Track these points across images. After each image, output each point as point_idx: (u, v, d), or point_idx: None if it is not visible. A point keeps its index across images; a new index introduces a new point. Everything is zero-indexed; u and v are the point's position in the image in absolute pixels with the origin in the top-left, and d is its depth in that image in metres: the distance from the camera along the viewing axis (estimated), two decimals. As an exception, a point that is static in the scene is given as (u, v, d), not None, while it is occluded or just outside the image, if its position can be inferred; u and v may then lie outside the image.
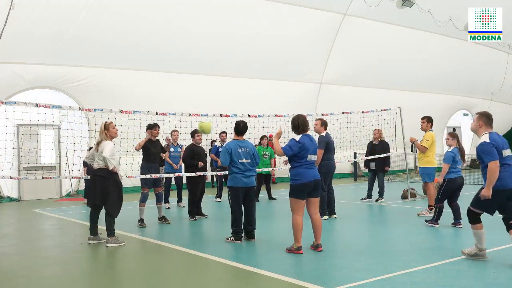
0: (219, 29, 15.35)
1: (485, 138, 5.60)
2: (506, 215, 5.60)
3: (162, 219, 9.08)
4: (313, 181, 6.27)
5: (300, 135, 6.38)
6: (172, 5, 14.37)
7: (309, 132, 6.51)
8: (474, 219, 5.70)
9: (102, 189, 7.09)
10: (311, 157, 6.30)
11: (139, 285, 5.22)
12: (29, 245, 7.56)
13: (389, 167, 12.09)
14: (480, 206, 5.66)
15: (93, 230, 7.37)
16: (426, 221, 7.94)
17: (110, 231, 7.11)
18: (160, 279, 5.39)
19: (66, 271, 5.86)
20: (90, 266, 6.19)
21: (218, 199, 12.66)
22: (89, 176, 12.12)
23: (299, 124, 6.41)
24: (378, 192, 11.75)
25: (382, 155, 11.73)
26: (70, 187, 15.18)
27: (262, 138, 12.82)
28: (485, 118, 5.79)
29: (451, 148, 7.99)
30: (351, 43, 17.89)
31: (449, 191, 7.82)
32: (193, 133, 9.80)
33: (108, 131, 7.25)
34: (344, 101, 18.16)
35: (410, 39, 18.97)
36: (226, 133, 12.59)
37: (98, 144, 7.24)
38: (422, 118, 9.65)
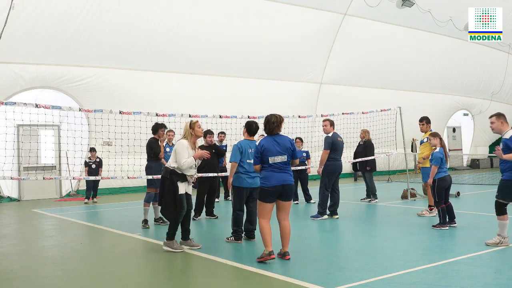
0: (219, 29, 15.36)
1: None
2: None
3: (160, 220, 9.02)
4: (281, 186, 5.88)
5: (264, 137, 6.14)
6: (172, 6, 14.38)
7: (279, 132, 6.12)
8: (501, 210, 6.35)
9: (161, 189, 6.76)
10: (276, 159, 5.90)
11: (139, 285, 5.22)
12: (29, 245, 7.56)
13: (372, 167, 11.91)
14: (507, 196, 6.35)
15: (182, 234, 6.85)
16: (433, 226, 7.82)
17: (168, 235, 6.67)
18: (160, 279, 5.39)
19: (66, 271, 5.86)
20: (90, 266, 6.19)
21: (216, 200, 12.64)
22: (90, 177, 12.22)
23: (264, 125, 6.11)
24: (371, 193, 11.78)
25: (360, 159, 11.88)
26: (70, 187, 15.20)
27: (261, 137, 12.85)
28: (504, 117, 6.50)
29: (437, 148, 7.94)
30: (351, 43, 17.90)
31: (442, 190, 7.80)
32: (205, 134, 9.80)
33: (193, 130, 6.72)
34: (344, 101, 18.18)
35: (410, 39, 18.99)
36: (225, 134, 12.65)
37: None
38: (421, 120, 9.55)
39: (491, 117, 6.58)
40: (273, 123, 6.04)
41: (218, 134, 12.73)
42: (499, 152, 6.28)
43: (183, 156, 6.53)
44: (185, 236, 6.83)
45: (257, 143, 6.49)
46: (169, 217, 6.81)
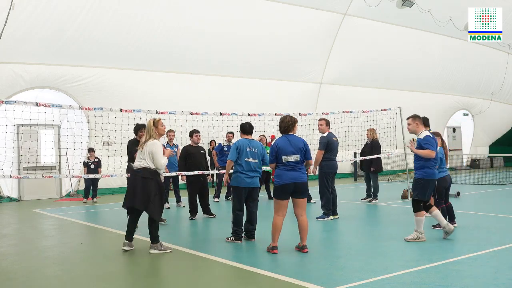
0: (219, 29, 15.37)
1: (427, 133, 6.96)
2: (428, 199, 6.99)
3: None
4: (293, 184, 6.18)
5: (279, 137, 6.45)
6: (172, 5, 14.38)
7: (294, 133, 6.46)
8: (417, 207, 6.82)
9: (144, 191, 6.51)
10: (289, 158, 6.20)
11: (138, 285, 5.22)
12: (29, 245, 7.56)
13: (377, 168, 11.79)
14: (422, 194, 6.83)
15: (130, 235, 6.76)
16: (433, 226, 7.80)
17: (154, 238, 6.62)
18: (160, 279, 5.39)
19: (66, 271, 5.87)
20: (90, 266, 6.19)
21: (216, 199, 12.65)
22: (89, 176, 12.22)
23: (279, 125, 6.48)
24: (372, 192, 11.78)
25: (369, 157, 11.79)
26: (70, 187, 15.19)
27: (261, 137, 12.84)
28: (420, 119, 7.07)
29: (438, 148, 7.94)
30: (351, 43, 17.90)
31: (442, 190, 7.80)
32: (191, 133, 9.80)
33: (157, 128, 6.67)
34: (344, 101, 18.17)
35: (410, 39, 18.98)
36: (233, 133, 12.65)
37: (143, 143, 6.61)
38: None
39: (408, 118, 7.18)
40: (288, 122, 6.42)
41: (227, 133, 12.75)
42: (412, 146, 6.95)
43: (161, 157, 6.53)
44: (131, 237, 6.80)
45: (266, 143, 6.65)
46: (157, 219, 6.68)
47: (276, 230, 6.27)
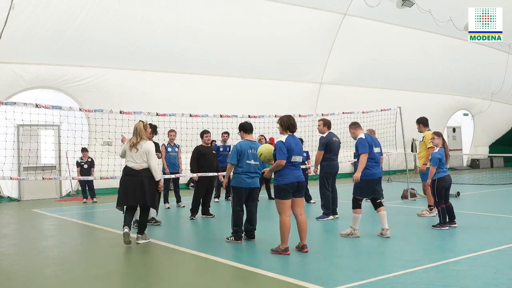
0: (219, 29, 15.37)
1: (361, 135, 7.35)
2: (375, 196, 7.35)
3: (153, 220, 8.87)
4: (296, 182, 6.21)
5: (285, 136, 6.35)
6: (172, 5, 14.39)
7: (297, 133, 6.53)
8: (356, 205, 7.22)
9: (151, 190, 7.07)
10: (296, 158, 6.24)
11: (139, 285, 5.22)
12: (29, 245, 7.56)
13: None
14: (359, 193, 7.23)
15: (129, 224, 7.06)
16: (433, 226, 7.85)
17: (144, 228, 7.32)
18: (160, 279, 5.39)
19: (66, 271, 5.87)
20: (90, 266, 6.19)
21: (216, 200, 12.65)
22: (89, 177, 12.20)
23: (287, 124, 6.39)
24: None
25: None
26: (70, 187, 15.20)
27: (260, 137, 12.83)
28: (354, 126, 7.56)
29: (437, 148, 7.96)
30: (351, 43, 17.90)
31: (442, 190, 7.81)
32: (202, 134, 9.85)
33: (146, 131, 7.17)
34: (344, 101, 18.18)
35: (410, 39, 18.99)
36: (228, 134, 12.64)
37: (136, 144, 6.99)
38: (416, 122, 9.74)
39: None
40: (295, 122, 6.49)
41: (222, 134, 12.74)
42: (355, 176, 7.16)
43: (155, 156, 7.11)
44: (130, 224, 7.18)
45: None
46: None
47: (286, 231, 6.16)
